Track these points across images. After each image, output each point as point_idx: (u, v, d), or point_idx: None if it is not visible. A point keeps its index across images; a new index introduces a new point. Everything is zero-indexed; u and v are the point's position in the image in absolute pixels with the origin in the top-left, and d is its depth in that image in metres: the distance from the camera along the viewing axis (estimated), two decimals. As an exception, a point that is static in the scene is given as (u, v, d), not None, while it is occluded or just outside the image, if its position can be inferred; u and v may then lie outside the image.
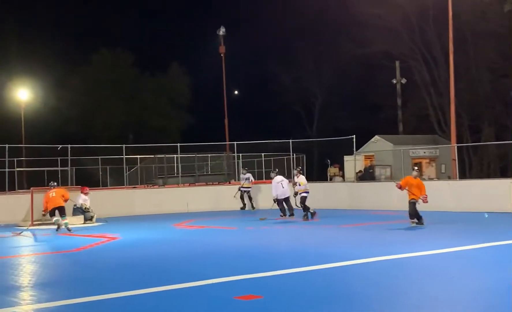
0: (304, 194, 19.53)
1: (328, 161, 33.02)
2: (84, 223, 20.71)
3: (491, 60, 39.94)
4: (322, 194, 25.96)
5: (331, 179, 30.65)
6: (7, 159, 25.02)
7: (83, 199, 21.53)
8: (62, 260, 12.52)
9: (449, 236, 13.52)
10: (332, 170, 31.94)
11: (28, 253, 13.91)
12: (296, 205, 19.80)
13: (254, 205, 25.71)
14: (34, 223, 20.28)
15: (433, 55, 42.46)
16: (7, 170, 24.99)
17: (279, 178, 20.17)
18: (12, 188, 25.35)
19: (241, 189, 25.64)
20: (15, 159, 27.00)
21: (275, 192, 19.88)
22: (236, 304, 7.46)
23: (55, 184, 19.57)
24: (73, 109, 51.70)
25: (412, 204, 16.29)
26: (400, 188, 16.60)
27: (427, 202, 16.17)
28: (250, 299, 7.63)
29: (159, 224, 19.98)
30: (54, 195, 18.08)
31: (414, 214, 16.27)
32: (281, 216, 19.81)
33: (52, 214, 18.13)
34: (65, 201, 18.28)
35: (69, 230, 17.54)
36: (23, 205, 21.23)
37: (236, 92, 54.38)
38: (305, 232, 16.71)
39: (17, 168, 26.76)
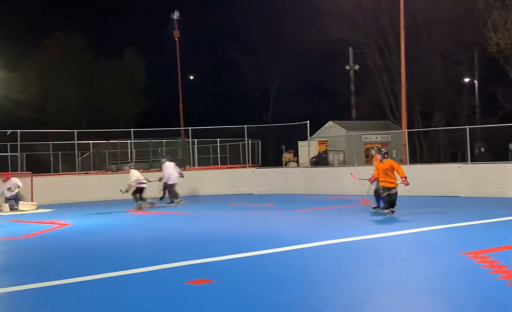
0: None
1: (283, 147, 33.26)
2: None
3: (443, 47, 40.66)
4: (277, 179, 26.15)
5: (286, 165, 30.86)
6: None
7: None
8: (12, 247, 12.32)
9: (400, 220, 13.75)
10: (286, 156, 32.21)
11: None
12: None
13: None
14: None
15: (386, 41, 42.96)
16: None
17: (172, 164, 21.04)
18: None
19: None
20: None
21: (169, 177, 20.58)
22: (188, 288, 7.48)
23: None
24: (25, 94, 50.60)
25: (394, 195, 14.17)
26: (374, 180, 14.81)
27: (408, 184, 14.03)
28: (202, 283, 7.65)
29: (112, 210, 19.80)
30: None
31: (391, 203, 14.30)
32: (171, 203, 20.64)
33: None
34: None
35: None
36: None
37: (191, 77, 54.11)
38: (259, 217, 16.80)
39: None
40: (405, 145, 26.47)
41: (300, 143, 31.53)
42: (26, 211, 20.28)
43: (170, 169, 20.80)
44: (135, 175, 19.62)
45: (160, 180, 20.81)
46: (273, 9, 51.85)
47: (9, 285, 8.01)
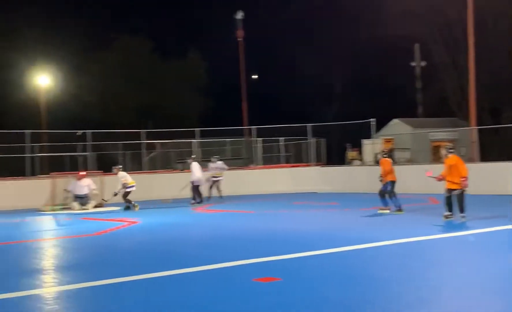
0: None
1: (348, 145, 32.94)
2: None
3: (512, 42, 39.45)
4: (341, 178, 25.97)
5: (349, 163, 30.55)
6: (28, 144, 25.32)
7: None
8: (83, 244, 12.66)
9: (468, 220, 13.42)
10: (351, 154, 31.87)
11: (50, 237, 14.09)
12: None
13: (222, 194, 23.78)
14: (55, 207, 20.59)
15: (453, 37, 41.96)
16: (28, 155, 25.30)
17: (197, 164, 22.27)
18: (33, 173, 25.63)
19: (212, 178, 23.76)
20: (36, 145, 27.25)
21: (198, 177, 21.94)
22: (255, 286, 7.51)
23: None
24: (93, 95, 52.00)
25: (460, 195, 13.41)
26: (441, 179, 13.86)
27: (466, 185, 13.35)
28: (269, 281, 7.67)
29: (178, 208, 20.11)
30: None
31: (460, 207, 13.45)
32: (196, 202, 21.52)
33: None
34: None
35: None
36: (43, 190, 21.46)
37: (254, 76, 54.30)
38: (324, 216, 16.73)
39: (38, 153, 27.00)
40: (474, 142, 25.81)
41: (364, 141, 31.17)
42: (94, 209, 20.87)
43: (194, 169, 21.88)
44: (124, 177, 20.77)
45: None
46: (336, 5, 51.51)
47: (81, 281, 8.22)
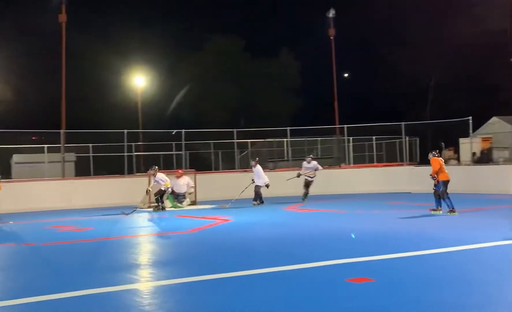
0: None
1: (443, 144, 32.04)
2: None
3: None
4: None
5: (445, 162, 29.66)
6: (125, 144, 26.21)
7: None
8: (178, 240, 12.96)
9: None
10: (446, 153, 30.97)
11: (146, 233, 14.53)
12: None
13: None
14: (150, 204, 21.20)
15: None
16: (126, 154, 26.18)
17: (259, 167, 22.17)
18: (130, 172, 26.51)
19: (306, 178, 22.68)
20: (133, 144, 28.16)
21: (263, 180, 21.78)
22: (348, 286, 7.45)
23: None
24: (186, 95, 53.20)
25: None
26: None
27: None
28: (362, 282, 7.59)
29: (270, 207, 20.22)
30: None
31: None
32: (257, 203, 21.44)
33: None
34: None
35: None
36: (140, 188, 22.14)
37: (346, 75, 53.76)
38: (418, 216, 16.36)
39: (134, 152, 27.89)
40: None
41: (461, 140, 30.21)
42: (188, 207, 21.33)
43: (256, 171, 21.87)
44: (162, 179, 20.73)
45: (299, 175, 22.66)
46: (431, 1, 50.21)
47: (177, 276, 8.43)
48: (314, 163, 22.97)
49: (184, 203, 21.73)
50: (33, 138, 29.68)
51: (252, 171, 22.48)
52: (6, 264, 10.35)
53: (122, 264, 9.63)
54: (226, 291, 7.47)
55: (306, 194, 22.42)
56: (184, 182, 22.07)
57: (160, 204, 20.47)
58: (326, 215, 17.44)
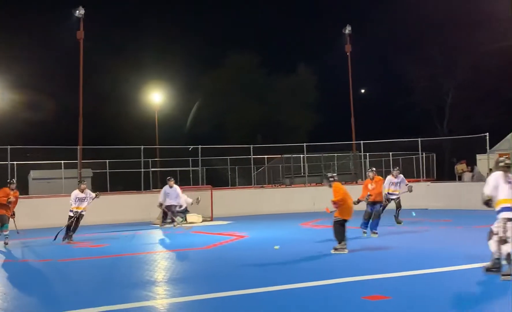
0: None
1: (454, 159, 31.79)
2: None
3: None
4: (454, 194, 25.12)
5: (460, 178, 29.41)
6: (142, 160, 26.31)
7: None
8: (194, 257, 12.95)
9: None
10: (459, 167, 30.68)
11: (161, 250, 14.53)
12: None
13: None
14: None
15: None
16: (142, 170, 26.27)
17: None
18: (147, 188, 26.58)
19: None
20: (150, 160, 28.26)
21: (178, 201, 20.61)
22: (364, 304, 7.39)
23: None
24: (203, 111, 53.40)
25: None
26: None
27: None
28: (378, 300, 7.52)
29: (286, 223, 20.16)
30: None
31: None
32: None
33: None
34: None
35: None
36: (157, 204, 22.15)
37: (363, 90, 53.67)
38: (435, 233, 16.23)
39: (151, 168, 27.99)
40: None
41: (478, 156, 29.98)
42: (194, 223, 21.13)
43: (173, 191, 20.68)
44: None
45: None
46: (446, 16, 50.07)
47: (193, 294, 8.41)
48: (402, 177, 18.96)
49: (189, 218, 21.33)
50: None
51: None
52: (23, 280, 10.41)
53: (137, 281, 9.63)
54: (240, 309, 7.44)
55: (398, 211, 18.80)
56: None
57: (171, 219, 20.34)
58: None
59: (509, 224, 8.78)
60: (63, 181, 27.00)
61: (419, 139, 28.47)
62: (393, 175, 18.61)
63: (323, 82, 55.87)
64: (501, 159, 9.48)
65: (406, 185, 18.74)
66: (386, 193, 18.10)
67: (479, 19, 43.94)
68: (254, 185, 29.63)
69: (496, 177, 9.23)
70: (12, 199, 15.63)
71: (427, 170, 29.85)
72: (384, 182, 17.25)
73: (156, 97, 44.38)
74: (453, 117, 55.98)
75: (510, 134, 35.79)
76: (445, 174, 40.43)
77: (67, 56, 36.22)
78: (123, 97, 50.06)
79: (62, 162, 27.61)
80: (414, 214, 16.39)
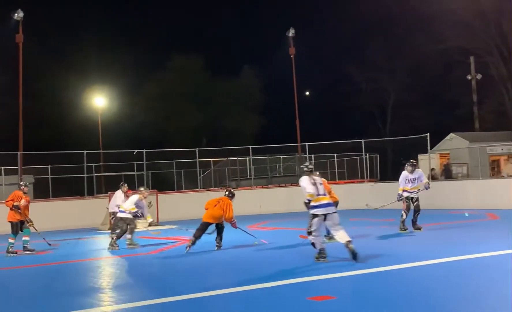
0: None
1: (402, 159, 32.35)
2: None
3: None
4: (395, 194, 25.59)
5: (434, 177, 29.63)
6: (85, 165, 25.89)
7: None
8: (139, 262, 12.80)
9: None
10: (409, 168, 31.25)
11: (106, 256, 14.30)
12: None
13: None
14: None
15: (509, 48, 41.03)
16: (86, 175, 25.85)
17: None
18: (90, 193, 26.16)
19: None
20: (93, 164, 27.84)
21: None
22: (310, 304, 7.44)
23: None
24: (147, 115, 52.93)
25: None
26: None
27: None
28: (324, 300, 7.59)
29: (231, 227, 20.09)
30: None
31: None
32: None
33: None
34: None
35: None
36: (101, 209, 21.85)
37: (307, 93, 54.21)
38: (379, 232, 16.49)
39: (95, 173, 27.57)
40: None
41: (420, 156, 30.67)
42: (149, 227, 20.89)
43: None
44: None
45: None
46: (387, 20, 51.12)
47: (138, 299, 8.32)
48: (420, 171, 16.11)
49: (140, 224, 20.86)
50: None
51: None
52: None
53: (81, 288, 9.47)
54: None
55: (416, 215, 15.94)
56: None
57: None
58: (289, 233, 17.41)
59: (315, 219, 10.74)
60: (3, 187, 26.30)
61: (363, 140, 28.93)
62: (407, 170, 15.77)
63: (267, 84, 56.24)
64: (305, 164, 11.74)
65: (424, 182, 15.81)
66: (402, 192, 15.74)
67: (419, 22, 45.03)
68: (200, 188, 29.54)
69: (305, 180, 11.08)
70: (23, 202, 14.98)
71: (370, 170, 30.35)
72: (400, 178, 15.91)
73: (99, 101, 43.76)
74: (395, 118, 57.18)
75: (449, 135, 36.80)
76: (389, 174, 41.21)
77: (6, 60, 35.33)
78: (65, 101, 49.11)
79: (3, 168, 26.90)
80: (467, 215, 14.96)
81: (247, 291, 8.42)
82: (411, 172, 15.62)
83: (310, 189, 10.89)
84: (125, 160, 30.02)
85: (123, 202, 16.38)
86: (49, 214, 23.39)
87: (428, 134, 25.94)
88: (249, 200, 26.25)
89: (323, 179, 14.37)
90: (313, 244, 10.95)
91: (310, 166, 11.59)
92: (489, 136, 38.00)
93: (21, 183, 15.77)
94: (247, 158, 30.65)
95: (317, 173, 13.07)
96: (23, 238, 15.09)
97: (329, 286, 8.53)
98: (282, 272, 9.97)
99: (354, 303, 7.43)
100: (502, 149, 34.53)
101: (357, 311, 7.02)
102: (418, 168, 16.11)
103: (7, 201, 15.00)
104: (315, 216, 10.79)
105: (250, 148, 29.87)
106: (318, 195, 10.90)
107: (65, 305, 8.08)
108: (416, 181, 15.61)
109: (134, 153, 28.29)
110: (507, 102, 42.61)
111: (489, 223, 16.38)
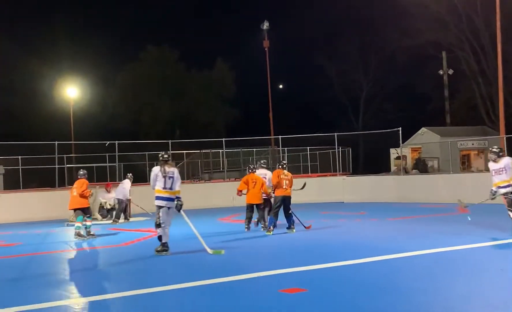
0: None
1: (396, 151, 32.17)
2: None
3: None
4: (368, 187, 25.82)
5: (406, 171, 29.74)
6: (56, 156, 25.62)
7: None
8: (111, 254, 12.74)
9: (495, 229, 13.23)
10: (397, 162, 31.36)
11: (77, 248, 14.19)
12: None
13: None
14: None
15: (481, 44, 41.58)
16: (57, 166, 25.59)
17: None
18: (62, 184, 25.91)
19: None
20: (65, 156, 27.56)
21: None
22: (281, 297, 7.48)
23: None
24: (120, 106, 52.57)
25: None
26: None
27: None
28: (295, 292, 7.64)
29: (205, 219, 20.11)
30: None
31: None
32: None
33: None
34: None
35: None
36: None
37: (280, 86, 54.37)
38: (351, 225, 16.63)
39: (66, 164, 27.31)
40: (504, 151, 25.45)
41: (392, 150, 30.99)
42: (122, 220, 20.85)
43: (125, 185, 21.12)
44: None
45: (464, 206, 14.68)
46: (361, 14, 51.45)
47: (109, 292, 8.34)
48: (508, 159, 12.69)
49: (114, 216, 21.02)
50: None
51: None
52: None
53: (52, 280, 9.39)
54: (159, 305, 7.39)
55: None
56: (112, 195, 21.71)
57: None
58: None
59: (160, 211, 11.34)
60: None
61: (335, 134, 29.09)
62: (490, 158, 12.98)
63: (241, 77, 56.27)
64: (161, 153, 11.75)
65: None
66: (496, 188, 12.67)
67: (392, 16, 45.38)
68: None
69: (155, 170, 11.41)
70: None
71: (343, 163, 30.55)
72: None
73: (71, 92, 43.31)
74: (368, 112, 57.62)
75: (421, 129, 37.22)
76: (361, 167, 41.53)
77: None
78: (36, 92, 48.56)
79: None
80: (469, 219, 13.99)
81: (216, 284, 8.42)
82: (495, 160, 12.64)
83: (159, 183, 11.26)
84: (97, 151, 29.78)
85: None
86: (19, 205, 23.13)
87: (400, 128, 26.21)
88: (222, 193, 26.21)
89: (288, 172, 14.75)
90: (159, 237, 11.39)
91: (165, 156, 11.64)
92: (460, 131, 38.56)
93: (81, 171, 15.96)
94: (220, 151, 30.61)
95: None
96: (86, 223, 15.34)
97: (300, 279, 8.57)
98: (253, 265, 9.99)
99: (325, 295, 7.48)
100: (472, 144, 35.05)
101: (328, 303, 7.07)
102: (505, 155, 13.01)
103: None
104: (160, 207, 11.29)
105: (223, 141, 29.83)
106: (165, 188, 11.29)
107: (35, 296, 7.98)
108: (503, 171, 12.45)
109: (106, 144, 28.07)
110: (478, 97, 43.18)
111: (456, 217, 16.58)
